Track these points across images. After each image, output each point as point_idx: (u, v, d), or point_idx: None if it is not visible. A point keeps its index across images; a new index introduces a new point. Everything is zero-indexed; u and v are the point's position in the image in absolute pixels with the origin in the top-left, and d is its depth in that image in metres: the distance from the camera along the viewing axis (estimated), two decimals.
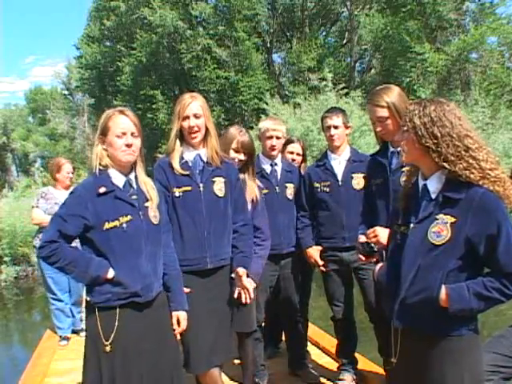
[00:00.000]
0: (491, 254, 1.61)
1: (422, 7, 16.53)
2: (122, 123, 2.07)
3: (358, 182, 3.04)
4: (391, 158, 2.52)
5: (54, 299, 4.52)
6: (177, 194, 2.43)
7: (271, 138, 3.14)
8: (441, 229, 1.65)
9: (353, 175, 3.08)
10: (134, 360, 2.03)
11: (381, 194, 2.54)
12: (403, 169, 2.35)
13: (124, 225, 2.03)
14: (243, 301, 2.51)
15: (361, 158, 3.14)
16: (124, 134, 2.06)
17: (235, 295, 2.51)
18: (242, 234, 2.59)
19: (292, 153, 3.63)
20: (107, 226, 2.01)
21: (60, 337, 4.57)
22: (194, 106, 2.44)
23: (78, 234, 2.04)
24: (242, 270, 2.48)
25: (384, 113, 2.42)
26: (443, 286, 1.63)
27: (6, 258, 10.61)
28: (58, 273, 4.22)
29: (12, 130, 44.91)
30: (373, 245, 2.21)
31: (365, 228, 2.56)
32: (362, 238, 2.35)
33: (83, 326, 4.80)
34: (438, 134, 1.66)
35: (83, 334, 4.71)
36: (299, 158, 3.67)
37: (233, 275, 2.53)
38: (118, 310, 2.02)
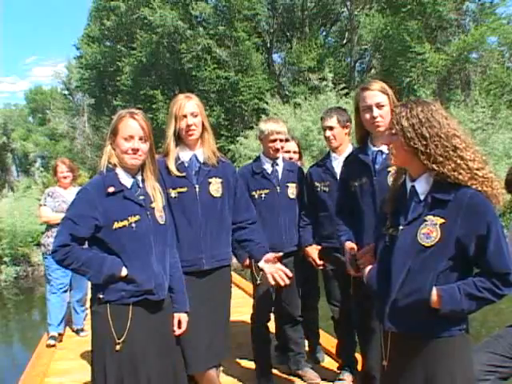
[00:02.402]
0: (481, 255, 1.61)
1: (422, 7, 16.53)
2: (131, 126, 2.06)
3: None
4: (375, 157, 2.42)
5: (50, 293, 4.55)
6: (172, 195, 2.43)
7: (275, 141, 3.13)
8: (430, 230, 1.64)
9: None
10: (141, 359, 2.02)
11: (365, 195, 2.42)
12: (389, 169, 2.31)
13: (133, 224, 2.03)
14: (281, 283, 2.39)
15: None
16: (131, 137, 2.06)
17: (272, 282, 2.43)
18: (253, 229, 2.60)
19: (289, 151, 3.61)
20: (116, 225, 2.01)
21: (47, 335, 4.57)
22: (190, 104, 2.45)
23: (89, 235, 2.02)
24: (271, 255, 2.46)
25: (383, 99, 2.33)
26: (434, 288, 1.63)
27: (5, 258, 10.62)
28: (60, 269, 4.25)
29: (12, 129, 44.94)
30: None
31: (349, 233, 2.44)
32: (353, 250, 2.26)
33: (85, 326, 4.81)
34: (427, 135, 1.66)
35: (83, 333, 4.72)
36: (296, 156, 3.67)
37: (260, 264, 2.47)
38: (131, 307, 2.01)
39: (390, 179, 2.29)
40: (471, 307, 1.62)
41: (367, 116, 2.34)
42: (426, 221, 1.66)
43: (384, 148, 2.37)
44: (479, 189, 1.63)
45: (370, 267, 1.91)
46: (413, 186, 1.75)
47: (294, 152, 3.65)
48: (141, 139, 2.08)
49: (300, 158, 3.76)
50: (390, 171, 2.31)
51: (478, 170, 1.65)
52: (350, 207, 2.50)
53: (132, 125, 2.07)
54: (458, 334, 1.67)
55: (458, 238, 1.61)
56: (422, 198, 1.71)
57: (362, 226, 2.39)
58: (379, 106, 2.32)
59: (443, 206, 1.64)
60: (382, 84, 2.36)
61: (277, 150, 3.16)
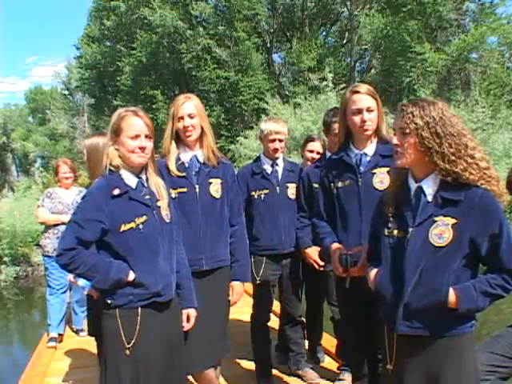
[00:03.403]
0: (494, 253, 1.64)
1: (422, 7, 16.53)
2: (136, 125, 2.03)
3: None
4: (360, 159, 2.37)
5: (50, 294, 4.57)
6: (172, 196, 2.42)
7: (274, 141, 3.12)
8: (442, 231, 1.65)
9: None
10: (154, 362, 2.01)
11: (350, 198, 2.36)
12: (374, 171, 2.31)
13: (140, 226, 2.00)
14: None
15: None
16: (138, 136, 2.03)
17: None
18: (237, 240, 2.61)
19: (312, 151, 3.54)
20: (124, 228, 1.97)
21: (47, 335, 4.58)
22: (188, 106, 2.45)
23: (96, 239, 1.99)
24: (236, 285, 2.59)
25: (373, 103, 2.31)
26: (451, 288, 1.64)
27: (5, 258, 10.60)
28: (58, 269, 4.26)
29: (12, 129, 44.96)
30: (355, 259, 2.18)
31: (332, 235, 2.42)
32: (341, 250, 2.28)
33: (84, 325, 4.81)
34: (442, 134, 1.66)
35: (83, 333, 4.72)
36: (319, 157, 3.52)
37: (232, 284, 2.61)
38: (139, 310, 1.99)
39: (375, 181, 2.30)
40: (485, 304, 1.65)
41: (357, 119, 2.31)
42: (436, 221, 1.67)
43: (368, 150, 2.36)
44: (488, 188, 1.65)
45: (374, 271, 1.89)
46: (419, 187, 1.74)
47: (318, 153, 3.53)
48: (146, 137, 2.06)
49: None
50: (374, 173, 2.31)
51: (486, 169, 1.67)
52: (332, 209, 2.45)
53: (137, 123, 2.04)
54: (468, 331, 1.70)
55: (472, 237, 1.63)
56: (429, 198, 1.70)
57: (346, 228, 2.37)
58: (369, 110, 2.29)
59: (454, 206, 1.65)
60: (370, 88, 2.35)
61: (275, 150, 3.15)
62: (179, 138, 2.51)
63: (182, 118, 2.44)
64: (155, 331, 2.01)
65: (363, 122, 2.29)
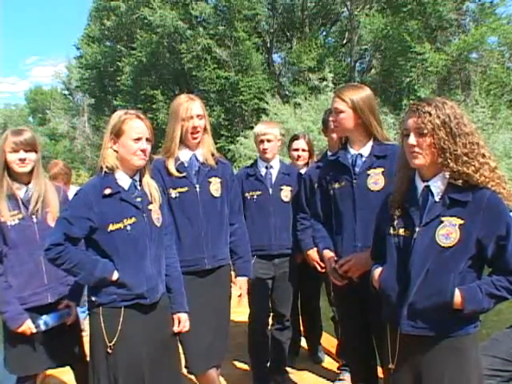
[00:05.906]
0: (500, 255, 1.63)
1: (422, 7, 16.53)
2: (139, 128, 2.07)
3: None
4: (355, 160, 2.37)
5: None
6: (173, 195, 2.43)
7: (262, 141, 3.15)
8: (449, 231, 1.65)
9: None
10: (135, 362, 2.02)
11: (344, 198, 2.36)
12: (368, 172, 2.32)
13: (128, 227, 2.03)
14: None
15: None
16: (140, 138, 2.07)
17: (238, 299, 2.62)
18: (239, 238, 2.63)
19: (297, 149, 3.55)
20: (111, 227, 2.01)
21: None
22: (195, 106, 2.45)
23: (83, 236, 2.03)
24: (241, 281, 2.63)
25: (341, 106, 2.31)
26: (457, 289, 1.64)
27: None
28: None
29: None
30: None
31: (326, 239, 2.45)
32: (332, 259, 2.34)
33: (85, 326, 4.81)
34: (456, 133, 1.65)
35: (84, 333, 4.72)
36: (305, 154, 3.56)
37: (238, 280, 2.63)
38: (122, 310, 2.01)
39: (369, 182, 2.30)
40: (490, 306, 1.65)
41: (331, 119, 2.43)
42: (443, 221, 1.66)
43: (363, 151, 2.36)
44: (497, 190, 1.65)
45: (378, 270, 1.87)
46: (426, 187, 1.73)
47: (303, 150, 3.55)
48: (147, 140, 2.09)
49: (311, 157, 3.63)
50: (369, 174, 2.32)
51: (495, 168, 1.68)
52: (329, 210, 2.46)
53: (140, 126, 2.08)
54: (472, 331, 1.70)
55: (479, 238, 1.63)
56: (437, 199, 1.70)
57: (340, 229, 2.38)
58: (337, 111, 2.32)
59: (461, 207, 1.65)
60: (348, 90, 2.33)
61: (264, 150, 3.15)
62: (180, 139, 2.50)
63: (191, 118, 2.44)
64: (138, 332, 2.03)
65: (332, 122, 2.41)
